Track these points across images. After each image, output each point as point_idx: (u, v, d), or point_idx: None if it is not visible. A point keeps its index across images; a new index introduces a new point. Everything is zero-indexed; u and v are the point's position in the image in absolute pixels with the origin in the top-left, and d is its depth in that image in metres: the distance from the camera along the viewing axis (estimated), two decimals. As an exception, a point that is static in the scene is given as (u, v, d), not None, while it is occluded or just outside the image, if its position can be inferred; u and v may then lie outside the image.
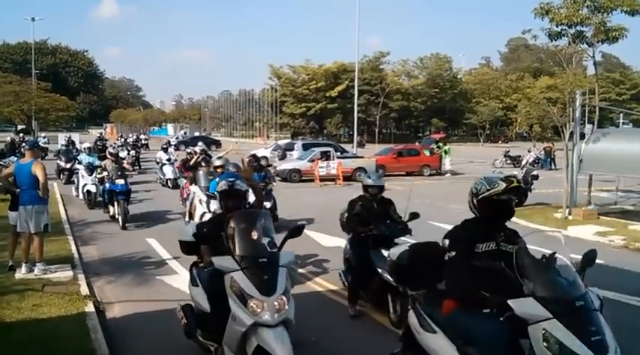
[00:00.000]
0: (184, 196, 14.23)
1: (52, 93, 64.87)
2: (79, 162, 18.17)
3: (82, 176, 16.92)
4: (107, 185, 13.85)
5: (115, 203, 13.46)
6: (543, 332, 3.62)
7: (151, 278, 8.95)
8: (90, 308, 7.12)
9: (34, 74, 69.01)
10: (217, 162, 10.53)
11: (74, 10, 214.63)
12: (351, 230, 7.62)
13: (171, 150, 24.82)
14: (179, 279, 8.84)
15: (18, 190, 8.53)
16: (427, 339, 4.45)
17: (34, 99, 58.15)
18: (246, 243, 5.05)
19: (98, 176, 15.12)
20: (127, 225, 13.13)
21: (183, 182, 15.39)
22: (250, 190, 6.00)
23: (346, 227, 7.79)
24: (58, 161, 24.21)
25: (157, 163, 23.82)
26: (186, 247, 5.76)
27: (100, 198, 15.76)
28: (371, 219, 7.29)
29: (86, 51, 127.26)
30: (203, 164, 12.25)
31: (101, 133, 47.15)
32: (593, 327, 3.73)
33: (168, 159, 22.58)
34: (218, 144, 51.01)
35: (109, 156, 14.85)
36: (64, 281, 8.32)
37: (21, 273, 8.43)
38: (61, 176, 23.38)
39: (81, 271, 8.92)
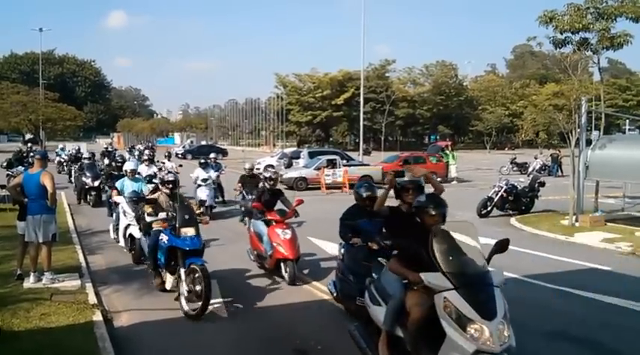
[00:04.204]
0: (257, 246, 10.00)
1: (60, 103, 65.36)
2: (119, 192, 12.03)
3: (124, 213, 11.37)
4: (164, 238, 8.05)
5: (182, 271, 7.70)
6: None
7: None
8: (98, 317, 7.15)
9: (42, 84, 69.70)
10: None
11: (81, 21, 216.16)
12: None
13: (211, 170, 17.98)
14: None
15: (26, 200, 8.60)
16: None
17: (42, 109, 58.67)
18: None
19: (148, 218, 8.58)
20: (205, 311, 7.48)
21: (261, 228, 9.97)
22: None
23: None
24: (83, 178, 19.26)
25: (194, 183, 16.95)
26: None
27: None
28: None
29: (93, 61, 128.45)
30: (433, 212, 5.26)
31: (110, 144, 46.16)
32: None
33: (204, 180, 16.55)
34: (225, 152, 51.11)
35: (161, 188, 9.09)
36: (71, 290, 8.36)
37: (29, 282, 8.48)
38: (88, 197, 19.10)
39: (89, 280, 8.96)
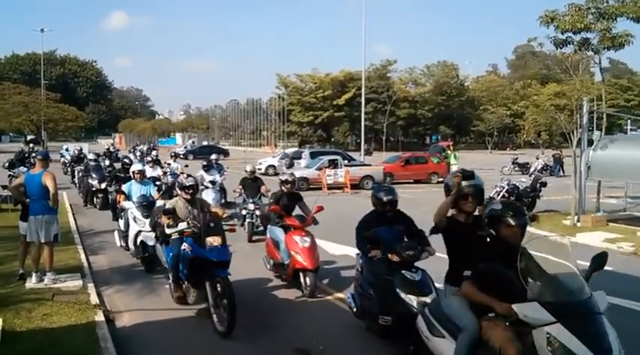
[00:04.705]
0: (274, 254, 9.26)
1: (61, 103, 65.27)
2: (127, 197, 11.17)
3: (135, 219, 10.53)
4: (187, 248, 7.28)
5: (207, 284, 7.13)
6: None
7: (160, 287, 8.97)
8: (100, 317, 7.16)
9: (43, 85, 69.65)
10: None
11: (83, 22, 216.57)
12: None
13: (216, 172, 17.05)
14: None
15: (28, 200, 8.62)
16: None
17: (43, 110, 58.58)
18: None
19: (168, 230, 7.58)
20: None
21: (278, 234, 9.22)
22: None
23: None
24: (90, 180, 18.75)
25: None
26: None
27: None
28: None
29: (95, 61, 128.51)
30: (512, 222, 4.40)
31: (112, 144, 46.00)
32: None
33: (212, 182, 16.03)
34: (226, 153, 51.11)
35: (180, 192, 8.06)
36: (73, 290, 8.37)
37: (31, 283, 8.49)
38: (95, 200, 18.45)
39: (90, 280, 8.97)
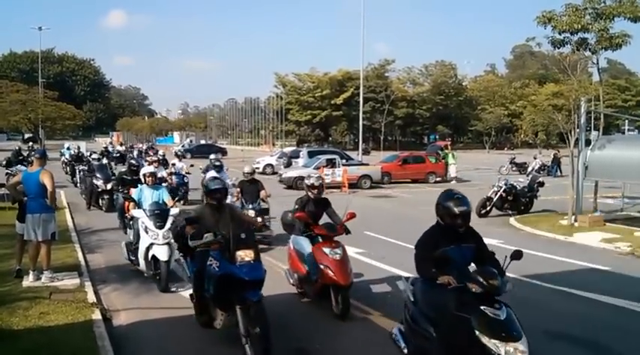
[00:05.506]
0: (298, 267, 8.16)
1: (59, 101, 65.25)
2: (137, 204, 9.72)
3: (146, 229, 9.10)
4: (215, 263, 6.21)
5: (238, 308, 5.90)
6: None
7: (157, 285, 8.96)
8: (97, 315, 7.16)
9: (41, 83, 69.65)
10: None
11: (81, 20, 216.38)
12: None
13: (224, 173, 15.27)
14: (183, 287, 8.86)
15: (26, 198, 8.61)
16: None
17: (41, 108, 58.62)
18: None
19: (191, 242, 6.39)
20: None
21: (304, 245, 8.10)
22: None
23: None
24: (94, 180, 17.67)
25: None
26: None
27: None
28: None
29: (93, 60, 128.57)
30: None
31: (110, 143, 45.87)
32: None
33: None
34: (224, 152, 51.11)
35: (207, 199, 7.03)
36: (71, 288, 8.36)
37: (28, 281, 8.49)
38: (100, 201, 17.43)
39: (88, 279, 8.96)
